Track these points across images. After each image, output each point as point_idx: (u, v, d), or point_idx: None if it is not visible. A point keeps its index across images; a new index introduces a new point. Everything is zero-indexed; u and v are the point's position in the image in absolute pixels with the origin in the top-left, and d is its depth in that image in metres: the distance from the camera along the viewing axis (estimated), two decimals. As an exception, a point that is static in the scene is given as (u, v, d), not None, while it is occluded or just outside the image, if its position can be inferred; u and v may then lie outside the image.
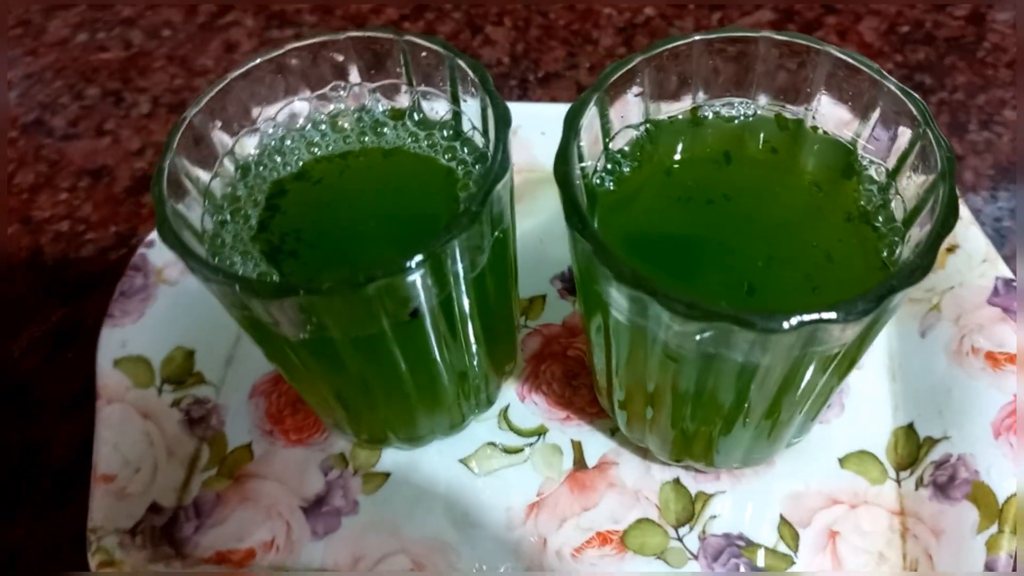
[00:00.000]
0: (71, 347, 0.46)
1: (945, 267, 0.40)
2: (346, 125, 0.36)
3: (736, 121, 0.34)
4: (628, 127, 0.34)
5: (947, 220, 0.27)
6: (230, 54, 0.58)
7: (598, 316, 0.32)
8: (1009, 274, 0.39)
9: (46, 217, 0.51)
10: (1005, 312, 0.38)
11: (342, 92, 0.36)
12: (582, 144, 0.31)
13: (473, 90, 0.33)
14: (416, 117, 0.35)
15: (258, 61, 0.33)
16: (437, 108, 0.35)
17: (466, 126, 0.35)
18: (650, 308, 0.27)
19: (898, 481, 0.37)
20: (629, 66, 0.32)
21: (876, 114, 0.31)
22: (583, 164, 0.32)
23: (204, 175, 0.33)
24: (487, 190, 0.29)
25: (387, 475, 0.39)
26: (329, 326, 0.29)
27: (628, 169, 0.33)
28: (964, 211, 0.41)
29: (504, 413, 0.40)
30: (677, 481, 0.38)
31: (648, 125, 0.34)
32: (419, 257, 0.27)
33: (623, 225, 0.32)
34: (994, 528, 0.33)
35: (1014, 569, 0.32)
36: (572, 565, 0.36)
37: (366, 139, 0.35)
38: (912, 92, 0.30)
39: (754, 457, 0.36)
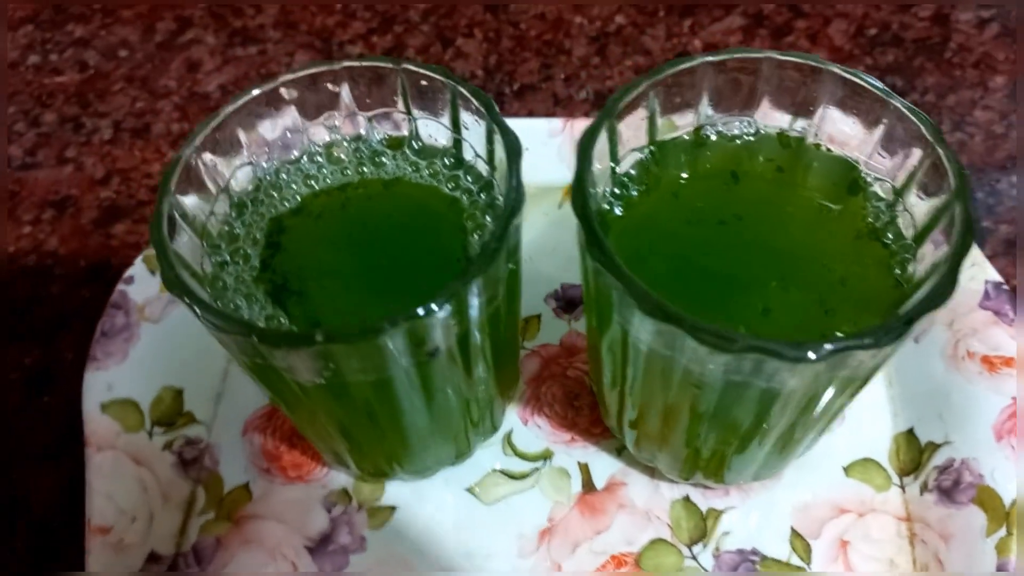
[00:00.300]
0: (47, 391, 0.44)
1: (935, 272, 0.41)
2: (343, 156, 0.35)
3: (739, 141, 0.34)
4: (633, 150, 0.33)
5: (966, 239, 0.27)
6: (193, 74, 0.57)
7: (614, 341, 0.32)
8: (997, 277, 0.40)
9: (10, 252, 0.49)
10: (997, 315, 0.39)
11: (337, 122, 0.35)
12: (594, 170, 0.31)
13: (477, 118, 0.32)
14: (415, 146, 0.35)
15: (254, 94, 0.32)
16: (436, 136, 0.35)
17: (467, 154, 0.34)
18: (678, 340, 0.27)
19: (902, 487, 0.38)
20: (638, 91, 0.31)
21: (880, 131, 0.32)
22: (592, 191, 0.31)
23: (201, 215, 0.32)
24: (504, 224, 0.28)
25: (393, 509, 0.38)
26: (346, 370, 0.29)
27: (636, 192, 0.33)
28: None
29: (508, 438, 0.40)
30: (687, 499, 0.38)
31: (652, 147, 0.34)
32: (444, 298, 0.26)
33: (637, 250, 0.31)
34: (1003, 531, 0.34)
35: (1026, 572, 0.33)
36: (590, 591, 0.36)
37: (365, 170, 0.34)
38: (919, 110, 0.30)
39: (764, 472, 0.36)
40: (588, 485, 0.38)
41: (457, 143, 0.34)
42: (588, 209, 0.28)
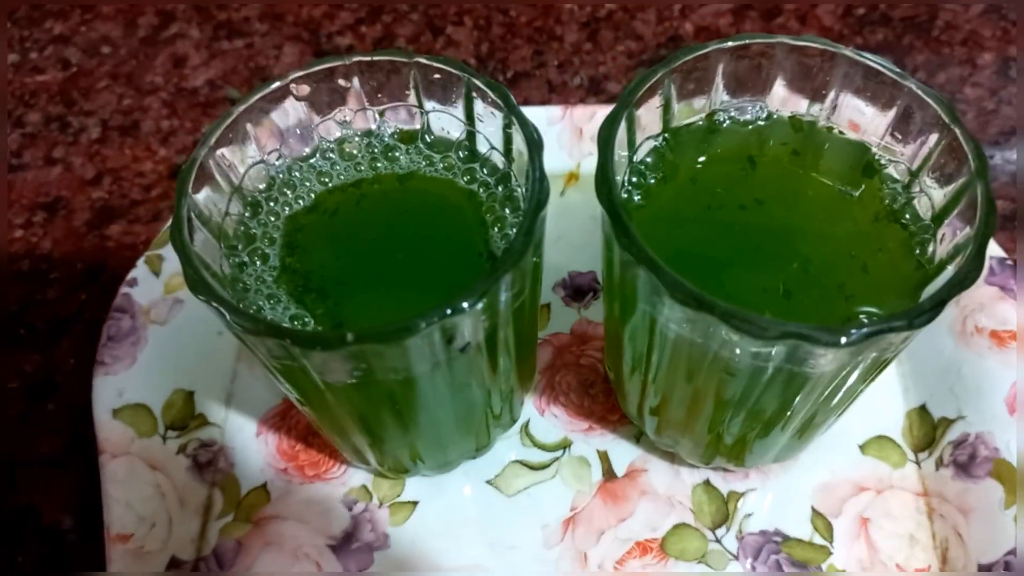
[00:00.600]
0: (50, 398, 0.43)
1: (939, 249, 0.41)
2: (355, 151, 0.34)
3: (751, 126, 0.34)
4: (649, 138, 0.33)
5: (990, 220, 0.28)
6: (179, 69, 0.56)
7: (638, 329, 0.32)
8: (1001, 253, 0.41)
9: (2, 257, 0.48)
10: (1003, 291, 0.39)
11: (348, 117, 0.34)
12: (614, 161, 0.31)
13: (493, 110, 0.32)
14: (428, 139, 0.34)
15: (267, 91, 0.32)
16: (448, 128, 0.34)
17: (482, 146, 0.34)
18: (710, 327, 0.27)
19: (918, 463, 0.38)
20: (654, 79, 0.31)
21: (894, 114, 0.32)
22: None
23: (217, 215, 0.31)
24: (532, 218, 0.28)
25: (414, 504, 0.38)
26: (377, 369, 0.28)
27: (653, 180, 0.33)
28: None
29: (525, 429, 0.40)
30: (708, 483, 0.38)
31: (667, 134, 0.34)
32: (478, 294, 0.26)
33: (659, 237, 0.31)
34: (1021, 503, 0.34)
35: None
36: (617, 578, 0.36)
37: (379, 165, 0.34)
38: (936, 92, 0.30)
39: (784, 455, 0.37)
40: (608, 473, 0.38)
41: (471, 135, 0.34)
42: (615, 200, 0.28)
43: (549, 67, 0.55)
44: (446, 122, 0.34)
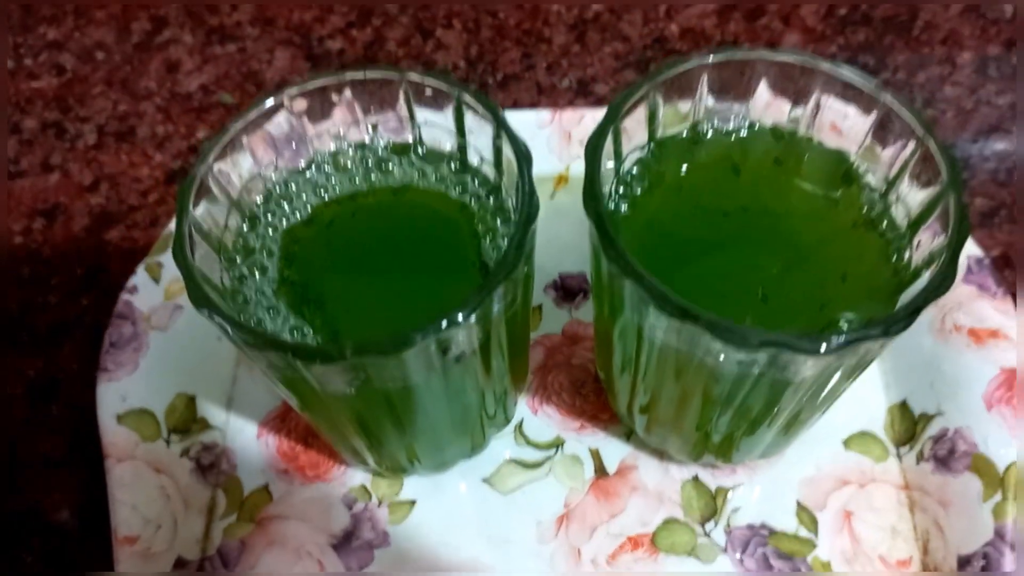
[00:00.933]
0: (53, 401, 0.44)
1: (919, 249, 0.43)
2: (349, 164, 0.35)
3: (734, 136, 0.35)
4: (635, 149, 0.34)
5: (963, 229, 0.29)
6: (173, 74, 0.56)
7: (626, 332, 0.33)
8: (979, 252, 0.42)
9: (3, 263, 0.49)
10: (980, 289, 0.41)
11: (342, 131, 0.35)
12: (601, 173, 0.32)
13: (483, 123, 0.33)
14: (420, 151, 0.35)
15: (264, 107, 0.33)
16: (440, 140, 0.35)
17: (473, 158, 0.35)
18: (694, 336, 0.28)
19: (899, 457, 0.39)
20: (639, 94, 0.32)
21: (871, 124, 0.33)
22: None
23: (216, 229, 0.32)
24: (523, 232, 0.29)
25: (412, 503, 0.39)
26: (375, 380, 0.29)
27: (639, 190, 0.34)
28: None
29: (519, 428, 0.41)
30: (696, 479, 0.39)
31: (652, 145, 0.35)
32: (471, 307, 0.27)
33: (645, 245, 0.32)
34: (998, 496, 0.36)
35: None
36: (608, 571, 0.37)
37: (373, 177, 0.35)
38: (911, 103, 0.32)
39: (770, 451, 0.38)
40: (600, 470, 0.40)
41: (462, 148, 0.35)
42: (602, 214, 0.29)
43: (538, 69, 0.56)
44: (438, 135, 0.35)
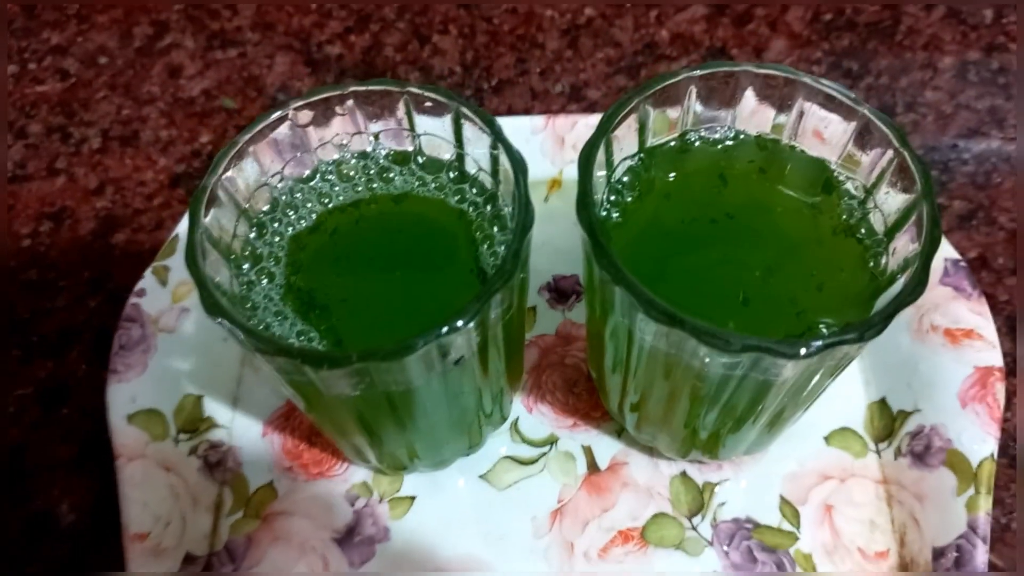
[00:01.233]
0: (64, 404, 0.46)
1: (898, 252, 0.44)
2: (352, 173, 0.37)
3: (720, 145, 0.37)
4: (625, 158, 0.36)
5: (934, 236, 0.30)
6: (175, 79, 0.58)
7: (617, 334, 0.34)
8: (955, 255, 0.43)
9: (11, 266, 0.50)
10: (956, 291, 0.42)
11: (345, 141, 0.36)
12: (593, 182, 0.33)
13: (481, 133, 0.34)
14: (420, 160, 0.37)
15: (270, 119, 0.34)
16: (439, 150, 0.37)
17: (470, 167, 0.36)
18: (681, 340, 0.30)
19: (878, 453, 0.41)
20: (629, 106, 0.34)
21: (850, 135, 0.34)
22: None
23: (226, 238, 0.34)
24: (520, 241, 0.31)
25: (412, 499, 0.41)
26: (378, 383, 0.31)
27: (630, 198, 0.36)
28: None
29: (515, 426, 0.43)
30: (684, 474, 0.41)
31: (642, 155, 0.36)
32: (470, 314, 0.29)
33: (636, 251, 0.34)
34: (971, 490, 0.37)
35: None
36: (601, 565, 0.39)
37: (375, 186, 0.36)
38: (887, 116, 0.33)
39: (755, 447, 0.40)
40: (592, 466, 0.41)
41: (460, 157, 0.36)
42: (594, 223, 0.31)
43: (532, 75, 0.57)
44: (437, 144, 0.37)
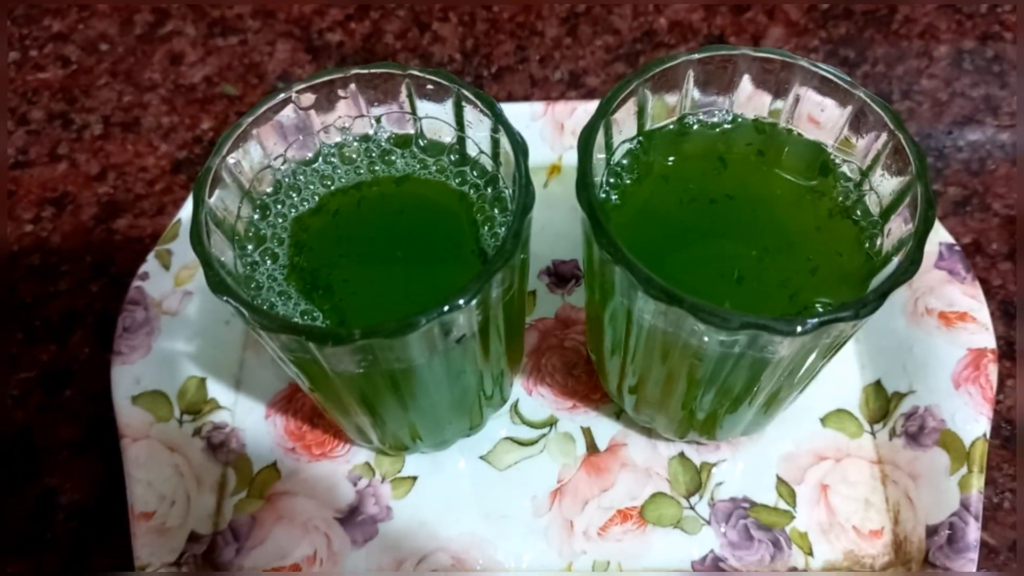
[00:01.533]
0: (68, 386, 0.46)
1: (894, 236, 0.45)
2: (354, 156, 0.37)
3: (719, 128, 0.37)
4: (624, 141, 0.36)
5: (928, 217, 0.31)
6: (176, 66, 0.58)
7: (616, 316, 0.35)
8: (950, 239, 0.44)
9: (14, 251, 0.50)
10: (951, 275, 0.43)
11: (347, 124, 0.37)
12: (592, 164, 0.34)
13: (481, 117, 0.35)
14: (421, 143, 0.37)
15: (274, 101, 0.34)
16: (440, 133, 0.37)
17: (471, 150, 0.37)
18: (679, 318, 0.30)
19: (873, 434, 0.42)
20: (629, 88, 0.34)
21: (846, 118, 0.35)
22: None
23: (230, 219, 0.34)
24: (520, 221, 0.31)
25: (414, 479, 0.41)
26: (382, 360, 0.31)
27: (629, 181, 0.36)
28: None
29: (515, 408, 0.43)
30: (682, 455, 0.42)
31: (641, 137, 0.37)
32: (472, 292, 0.29)
33: (635, 232, 0.34)
34: (964, 469, 0.38)
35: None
36: (600, 543, 0.39)
37: (377, 168, 0.37)
38: (883, 100, 0.34)
39: (752, 428, 0.40)
40: (592, 447, 0.42)
41: (461, 140, 0.37)
42: (594, 204, 0.31)
43: (531, 62, 0.57)
44: (438, 127, 0.37)
